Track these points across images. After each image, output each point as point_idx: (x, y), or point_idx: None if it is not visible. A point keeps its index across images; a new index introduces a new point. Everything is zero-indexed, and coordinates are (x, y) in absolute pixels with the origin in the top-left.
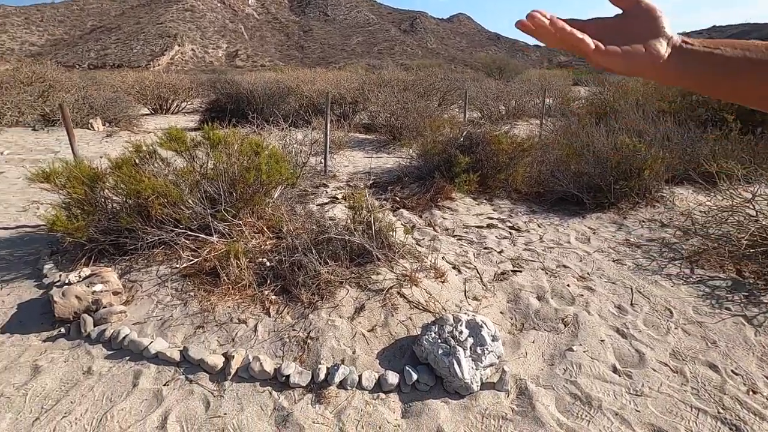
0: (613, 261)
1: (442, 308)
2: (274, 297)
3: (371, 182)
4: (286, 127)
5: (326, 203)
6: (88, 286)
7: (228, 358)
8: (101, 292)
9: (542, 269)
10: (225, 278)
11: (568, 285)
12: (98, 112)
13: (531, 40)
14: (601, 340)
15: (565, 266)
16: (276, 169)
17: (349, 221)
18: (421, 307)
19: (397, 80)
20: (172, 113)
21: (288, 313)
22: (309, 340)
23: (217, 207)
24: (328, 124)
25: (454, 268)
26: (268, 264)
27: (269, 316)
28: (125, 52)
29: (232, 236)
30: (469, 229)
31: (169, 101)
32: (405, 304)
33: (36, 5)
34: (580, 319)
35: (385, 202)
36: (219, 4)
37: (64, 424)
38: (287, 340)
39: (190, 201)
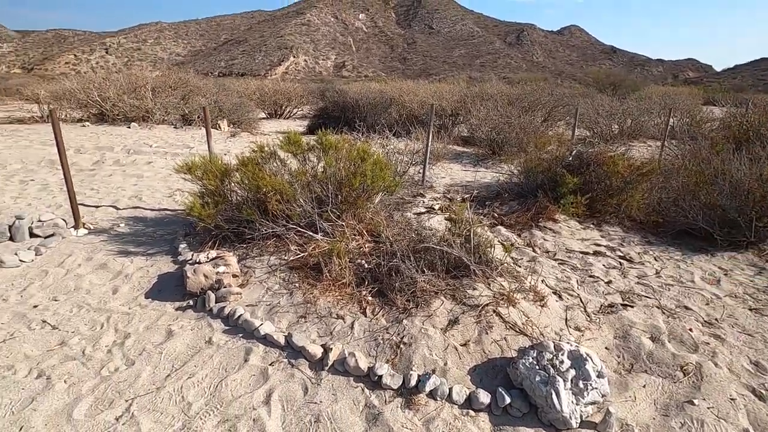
0: (750, 310)
1: (540, 333)
2: (370, 298)
3: (469, 196)
4: (389, 136)
5: (423, 213)
6: (213, 267)
7: (326, 349)
8: (223, 273)
9: (658, 307)
10: (327, 274)
11: (690, 329)
12: (226, 114)
13: (653, 53)
14: (732, 399)
15: (686, 308)
16: (379, 176)
17: (446, 233)
18: (517, 329)
19: (500, 94)
20: (284, 118)
21: (383, 315)
22: (402, 345)
23: (323, 207)
24: (431, 136)
25: (554, 293)
26: (366, 266)
27: (365, 316)
28: (249, 62)
29: (334, 236)
30: (572, 254)
31: (283, 107)
32: (500, 323)
33: (184, 21)
34: (704, 370)
35: (483, 217)
36: (332, 19)
37: (188, 383)
38: (381, 341)
39: (301, 200)
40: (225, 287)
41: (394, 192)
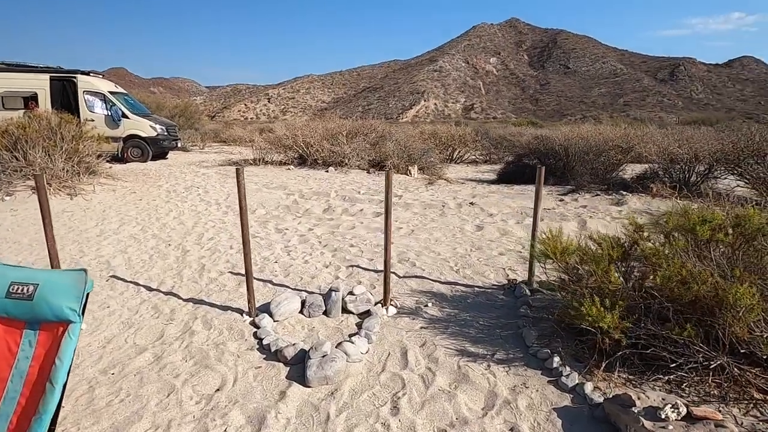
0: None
1: None
2: None
3: None
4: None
5: None
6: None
7: None
8: None
9: None
10: None
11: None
12: (415, 160)
13: None
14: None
15: None
16: None
17: None
18: None
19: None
20: (455, 162)
21: None
22: None
23: None
24: None
25: None
26: None
27: None
28: (383, 106)
29: None
30: None
31: (457, 151)
32: None
33: (330, 73)
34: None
35: None
36: (463, 64)
37: None
38: None
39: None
40: None
41: None
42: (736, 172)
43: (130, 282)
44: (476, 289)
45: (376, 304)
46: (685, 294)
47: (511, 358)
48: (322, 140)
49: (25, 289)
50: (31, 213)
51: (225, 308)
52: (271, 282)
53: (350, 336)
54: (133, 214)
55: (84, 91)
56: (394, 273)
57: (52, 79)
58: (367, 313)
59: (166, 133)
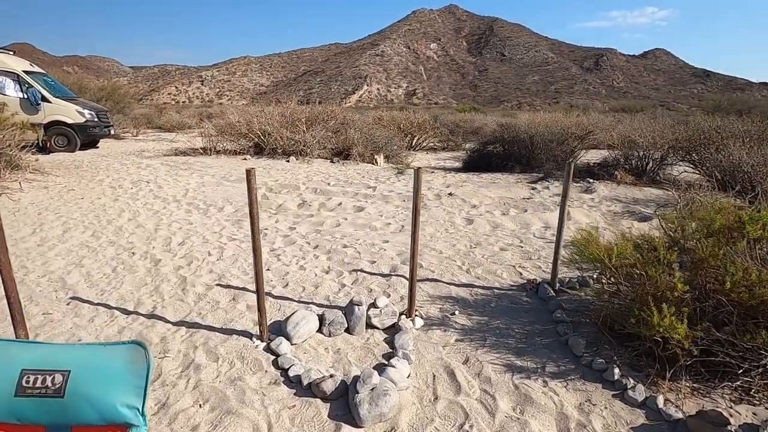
0: None
1: None
2: None
3: None
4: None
5: None
6: None
7: None
8: None
9: None
10: None
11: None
12: (380, 148)
13: (755, 76)
14: None
15: None
16: None
17: None
18: None
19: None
20: (414, 150)
21: None
22: None
23: None
24: None
25: None
26: None
27: None
28: (325, 90)
29: None
30: None
31: (415, 138)
32: None
33: (268, 55)
34: None
35: None
36: (405, 49)
37: None
38: None
39: None
40: None
41: None
42: (688, 159)
43: (99, 304)
44: (495, 291)
45: (400, 315)
46: (752, 297)
47: (563, 370)
48: (280, 128)
49: (50, 379)
50: None
51: (227, 332)
52: (270, 294)
53: (384, 356)
54: (77, 216)
55: None
56: (404, 277)
57: None
58: (392, 327)
59: (96, 119)
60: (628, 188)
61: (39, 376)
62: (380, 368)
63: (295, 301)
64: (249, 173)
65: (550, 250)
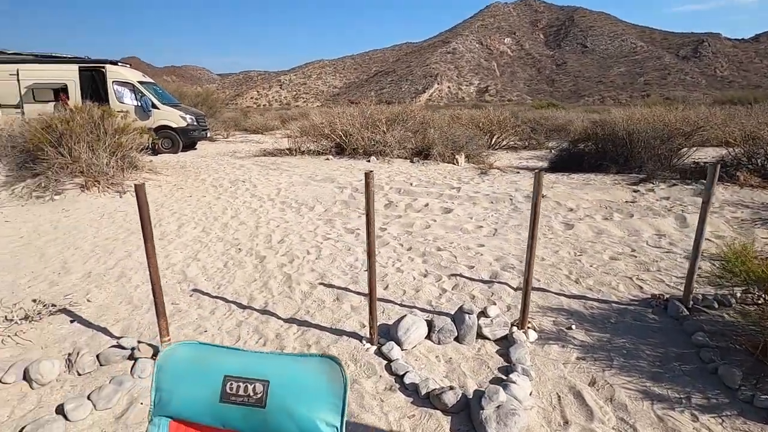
0: None
1: None
2: None
3: None
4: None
5: None
6: None
7: None
8: None
9: None
10: None
11: None
12: (460, 148)
13: None
14: None
15: None
16: None
17: None
18: None
19: None
20: (492, 149)
21: None
22: None
23: None
24: None
25: None
26: None
27: None
28: (396, 90)
29: None
30: None
31: (495, 137)
32: None
33: (341, 57)
34: None
35: None
36: (477, 45)
37: None
38: None
39: None
40: None
41: None
42: None
43: (216, 297)
44: (613, 305)
45: (511, 326)
46: None
47: (714, 404)
48: (361, 128)
49: (251, 388)
50: (83, 214)
51: (337, 332)
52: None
53: (499, 370)
54: (188, 213)
55: (113, 82)
56: (507, 285)
57: (81, 70)
58: (504, 339)
59: (195, 123)
60: (755, 191)
61: (241, 384)
62: (500, 383)
63: (397, 304)
64: (367, 176)
65: (669, 261)
